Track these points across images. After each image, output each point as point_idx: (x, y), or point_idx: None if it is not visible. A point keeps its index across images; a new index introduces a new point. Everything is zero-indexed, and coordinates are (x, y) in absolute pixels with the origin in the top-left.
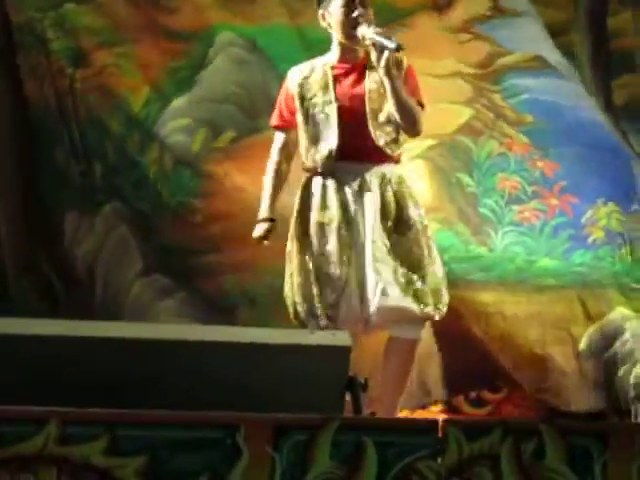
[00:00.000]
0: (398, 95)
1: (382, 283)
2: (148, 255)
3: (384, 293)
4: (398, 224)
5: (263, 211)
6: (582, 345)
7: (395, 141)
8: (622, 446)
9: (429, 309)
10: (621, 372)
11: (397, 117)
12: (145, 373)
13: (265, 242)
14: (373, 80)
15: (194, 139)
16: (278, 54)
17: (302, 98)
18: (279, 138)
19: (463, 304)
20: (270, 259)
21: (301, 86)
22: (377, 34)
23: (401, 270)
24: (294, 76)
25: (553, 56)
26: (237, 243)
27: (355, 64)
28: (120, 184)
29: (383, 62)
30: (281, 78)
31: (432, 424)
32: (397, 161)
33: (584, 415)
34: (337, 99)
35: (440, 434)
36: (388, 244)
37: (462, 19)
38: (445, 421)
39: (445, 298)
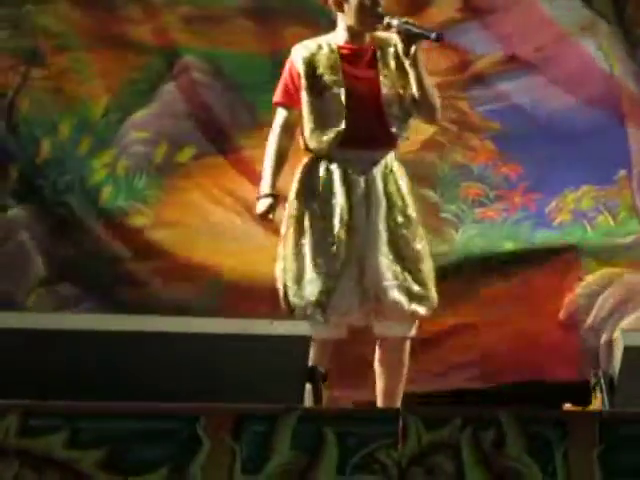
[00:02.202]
0: (424, 83)
1: (385, 280)
2: (55, 263)
3: (387, 290)
4: (402, 217)
5: (265, 187)
6: (562, 315)
7: (404, 129)
8: (582, 433)
9: (424, 307)
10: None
11: (421, 105)
12: (105, 365)
13: (269, 216)
14: (386, 67)
15: (155, 152)
16: (245, 82)
17: (308, 76)
18: (282, 115)
19: None
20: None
21: (307, 64)
22: (409, 24)
23: (402, 266)
24: (300, 52)
25: (527, 49)
26: (181, 250)
27: (362, 48)
28: (40, 186)
29: (413, 51)
30: (249, 106)
31: (392, 413)
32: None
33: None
34: (346, 81)
35: (400, 423)
36: (393, 237)
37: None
38: (405, 410)
39: (435, 293)
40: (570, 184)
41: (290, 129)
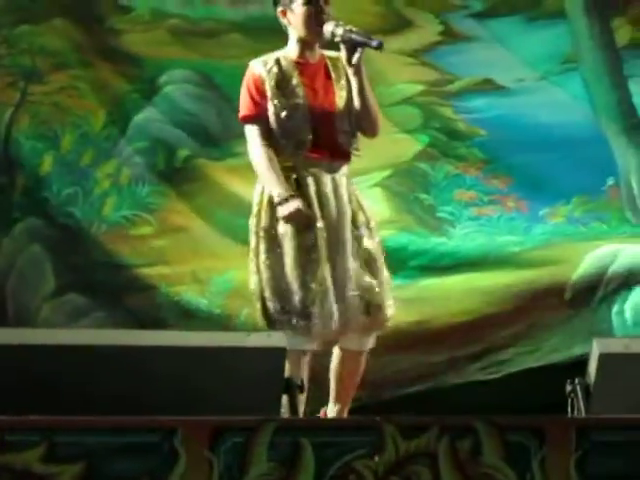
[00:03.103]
0: (365, 94)
1: (350, 291)
2: (63, 274)
3: (350, 303)
4: (365, 228)
5: (282, 191)
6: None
7: (354, 143)
8: (559, 441)
9: (380, 321)
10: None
11: (361, 116)
12: (81, 379)
13: (304, 214)
14: (339, 81)
15: (157, 160)
16: (235, 93)
17: (272, 87)
18: (255, 129)
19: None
20: (214, 271)
21: (270, 76)
22: (353, 32)
23: (365, 277)
24: (260, 66)
25: (509, 76)
26: (184, 256)
27: (316, 61)
28: (46, 198)
29: (356, 60)
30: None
31: (369, 423)
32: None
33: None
34: (305, 94)
35: (377, 433)
36: (358, 248)
37: (411, 47)
38: (381, 420)
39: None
40: (561, 197)
41: (269, 139)
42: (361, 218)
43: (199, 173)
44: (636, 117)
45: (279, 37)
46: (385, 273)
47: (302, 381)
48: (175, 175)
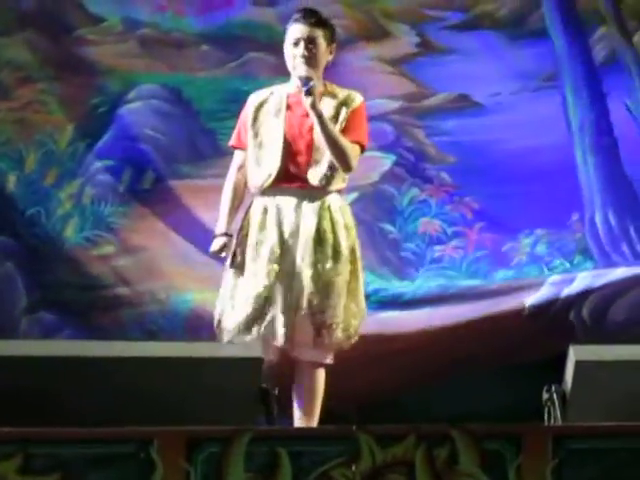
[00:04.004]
0: (323, 132)
1: (302, 310)
2: (33, 292)
3: (302, 319)
4: (331, 252)
5: (219, 226)
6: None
7: (329, 176)
8: (535, 449)
9: (339, 338)
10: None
11: (331, 154)
12: (57, 391)
13: (222, 254)
14: (325, 110)
15: (121, 179)
16: (204, 108)
17: (254, 120)
18: (236, 158)
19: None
20: (173, 292)
21: (257, 109)
22: (301, 76)
23: (320, 298)
24: (253, 99)
25: (485, 90)
26: (146, 276)
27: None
28: (13, 219)
29: (306, 102)
30: (207, 133)
31: (345, 432)
32: (339, 191)
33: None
34: (286, 125)
35: (353, 442)
36: (315, 271)
37: (391, 55)
38: (358, 428)
39: (356, 329)
40: (524, 227)
41: (243, 170)
42: (328, 243)
43: (164, 194)
44: (612, 136)
45: (249, 46)
46: (344, 296)
47: (278, 391)
48: (139, 195)
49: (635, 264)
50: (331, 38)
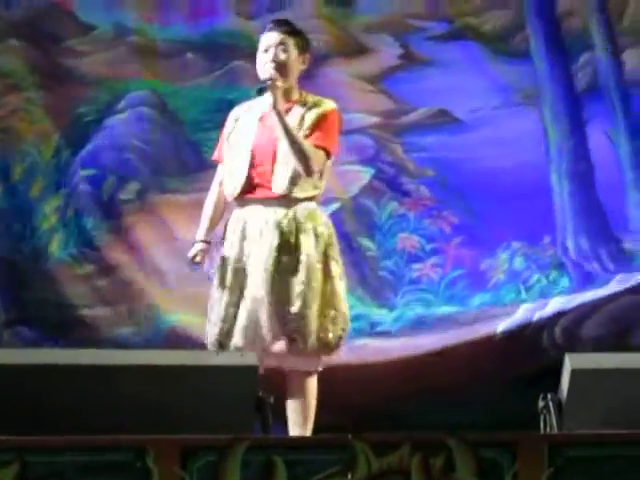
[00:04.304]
0: (284, 133)
1: (264, 322)
2: (11, 309)
3: (266, 330)
4: (295, 261)
5: (199, 233)
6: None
7: (292, 183)
8: (532, 457)
9: (316, 345)
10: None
11: (293, 156)
12: (55, 399)
13: (197, 261)
14: (292, 119)
15: (103, 189)
16: (191, 119)
17: (229, 133)
18: (218, 171)
19: (364, 350)
20: (159, 312)
21: (234, 122)
22: (263, 78)
23: (285, 308)
24: (233, 113)
25: (465, 105)
26: (127, 295)
27: (287, 102)
28: None
29: (269, 104)
30: (193, 144)
31: (341, 440)
32: (310, 199)
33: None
34: (255, 136)
35: (349, 450)
36: (279, 281)
37: (370, 72)
38: (354, 437)
39: (337, 334)
40: (502, 241)
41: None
42: (292, 253)
43: (146, 207)
44: (589, 162)
45: (233, 54)
46: (308, 304)
47: (275, 399)
48: (121, 207)
49: (607, 281)
50: (303, 47)
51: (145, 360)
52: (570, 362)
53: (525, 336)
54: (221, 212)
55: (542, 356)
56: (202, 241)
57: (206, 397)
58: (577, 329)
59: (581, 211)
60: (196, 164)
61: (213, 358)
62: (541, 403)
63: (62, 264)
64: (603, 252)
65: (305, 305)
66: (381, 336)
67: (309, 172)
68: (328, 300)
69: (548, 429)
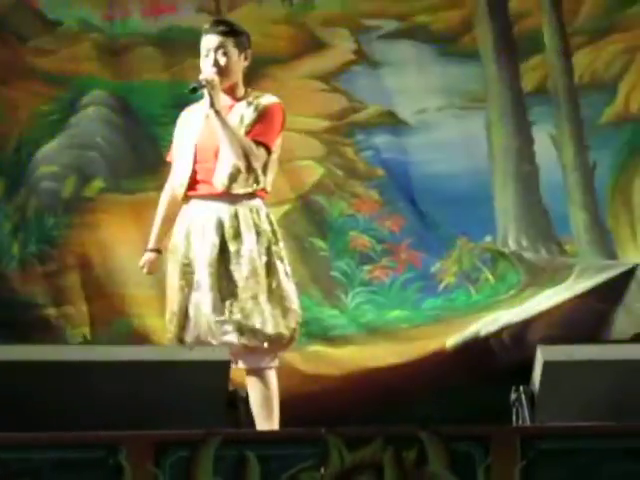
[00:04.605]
0: (221, 129)
1: (212, 316)
2: None
3: (214, 327)
4: (236, 258)
5: (150, 242)
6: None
7: (231, 178)
8: (504, 450)
9: (268, 339)
10: None
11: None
12: (26, 395)
13: (146, 271)
14: (233, 118)
15: (64, 186)
16: (149, 115)
17: (177, 135)
18: (171, 171)
19: (319, 359)
20: (121, 312)
21: (182, 124)
22: (199, 78)
23: (227, 305)
24: (182, 114)
25: (410, 109)
26: (88, 295)
27: (230, 100)
28: None
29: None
30: (151, 139)
31: (313, 435)
32: (252, 195)
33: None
34: (200, 136)
35: (322, 444)
36: (221, 280)
37: (324, 70)
38: (327, 431)
39: (289, 328)
40: (448, 240)
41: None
42: (233, 248)
43: (107, 205)
44: (533, 164)
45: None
46: (254, 294)
47: (247, 394)
48: (82, 205)
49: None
50: (244, 45)
51: (118, 356)
52: (542, 354)
53: (475, 347)
54: (175, 214)
55: (493, 360)
56: (152, 250)
57: (179, 392)
58: (524, 332)
59: (524, 212)
60: (155, 160)
61: (186, 353)
62: (513, 395)
63: (24, 264)
64: (542, 250)
65: (248, 302)
66: (332, 343)
67: (249, 168)
68: (275, 295)
69: (520, 422)
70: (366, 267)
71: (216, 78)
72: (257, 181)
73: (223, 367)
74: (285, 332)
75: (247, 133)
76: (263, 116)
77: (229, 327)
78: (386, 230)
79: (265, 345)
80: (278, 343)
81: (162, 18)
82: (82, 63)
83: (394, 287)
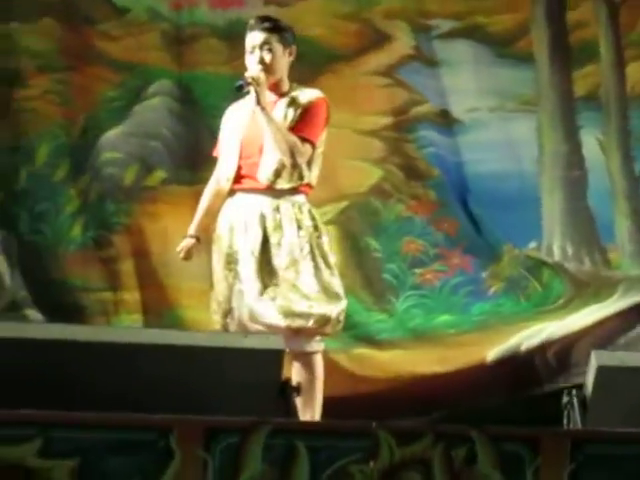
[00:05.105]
0: (270, 127)
1: (254, 303)
2: (20, 290)
3: (258, 313)
4: (276, 247)
5: (190, 227)
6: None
7: (276, 174)
8: (554, 452)
9: (293, 321)
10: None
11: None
12: (80, 375)
13: (182, 256)
14: (277, 113)
15: (126, 173)
16: (210, 106)
17: (223, 129)
18: (217, 166)
19: (364, 361)
20: (173, 303)
21: (227, 119)
22: (244, 77)
23: (270, 289)
24: (228, 111)
25: (462, 107)
26: (144, 283)
27: (274, 95)
28: (17, 213)
29: (252, 101)
30: (211, 133)
31: (364, 428)
32: (296, 190)
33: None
34: (246, 131)
35: (372, 438)
36: (266, 268)
37: (386, 63)
38: (377, 425)
39: (334, 313)
40: (496, 245)
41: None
42: (274, 240)
43: (168, 196)
44: (582, 169)
45: None
46: (302, 281)
47: (299, 384)
48: (143, 193)
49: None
50: (288, 41)
51: (171, 340)
52: (596, 359)
53: (516, 362)
54: (218, 206)
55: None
56: (191, 236)
57: (231, 379)
58: (568, 352)
59: (571, 218)
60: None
61: (240, 340)
62: (565, 399)
63: (83, 248)
64: (586, 259)
65: (293, 287)
66: (377, 346)
67: (294, 164)
68: (318, 285)
69: (571, 425)
70: (417, 270)
71: (262, 75)
72: (301, 176)
73: (277, 356)
74: (330, 314)
75: (292, 129)
76: (308, 111)
77: (272, 311)
78: (441, 234)
79: (310, 324)
80: (323, 324)
81: (229, 10)
82: (149, 52)
83: (444, 291)
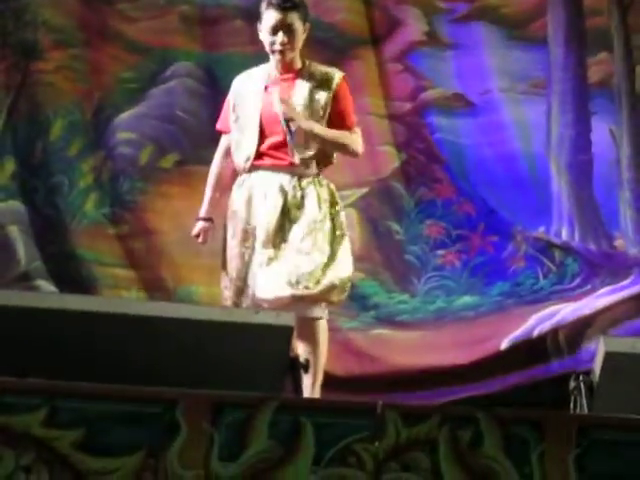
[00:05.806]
0: (322, 142)
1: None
2: (33, 261)
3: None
4: (295, 219)
5: (201, 211)
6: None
7: (313, 158)
8: (559, 436)
9: (298, 288)
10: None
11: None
12: (88, 346)
13: (201, 240)
14: (300, 93)
15: (141, 154)
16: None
17: (234, 104)
18: (222, 141)
19: (383, 342)
20: (185, 280)
21: (237, 93)
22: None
23: (282, 258)
24: (235, 83)
25: (476, 87)
26: (157, 260)
27: (290, 72)
28: (34, 186)
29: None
30: None
31: (370, 407)
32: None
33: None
34: (262, 107)
35: (379, 417)
36: (282, 238)
37: (398, 49)
38: (384, 405)
39: (338, 281)
40: (515, 224)
41: (228, 154)
42: (293, 212)
43: (182, 177)
44: (589, 153)
45: None
46: (316, 254)
47: (307, 361)
48: (158, 174)
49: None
50: (305, 17)
51: (182, 313)
52: (604, 344)
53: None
54: (224, 185)
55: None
56: (204, 219)
57: (240, 354)
58: (580, 337)
59: (577, 203)
60: None
61: (250, 316)
62: (572, 384)
63: (95, 223)
64: (592, 247)
65: (305, 254)
66: (397, 327)
67: (355, 155)
68: (330, 255)
69: (578, 410)
70: (439, 252)
71: (292, 112)
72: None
73: (286, 333)
74: (335, 282)
75: (329, 116)
76: (339, 99)
77: (278, 279)
78: (463, 215)
79: (315, 290)
80: (327, 291)
81: None
82: (168, 35)
83: (465, 272)
